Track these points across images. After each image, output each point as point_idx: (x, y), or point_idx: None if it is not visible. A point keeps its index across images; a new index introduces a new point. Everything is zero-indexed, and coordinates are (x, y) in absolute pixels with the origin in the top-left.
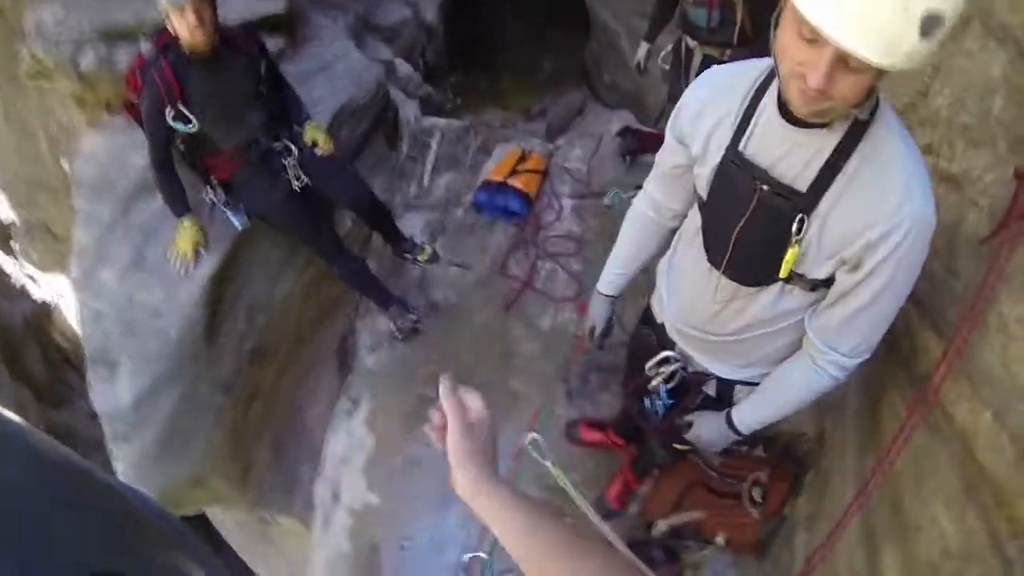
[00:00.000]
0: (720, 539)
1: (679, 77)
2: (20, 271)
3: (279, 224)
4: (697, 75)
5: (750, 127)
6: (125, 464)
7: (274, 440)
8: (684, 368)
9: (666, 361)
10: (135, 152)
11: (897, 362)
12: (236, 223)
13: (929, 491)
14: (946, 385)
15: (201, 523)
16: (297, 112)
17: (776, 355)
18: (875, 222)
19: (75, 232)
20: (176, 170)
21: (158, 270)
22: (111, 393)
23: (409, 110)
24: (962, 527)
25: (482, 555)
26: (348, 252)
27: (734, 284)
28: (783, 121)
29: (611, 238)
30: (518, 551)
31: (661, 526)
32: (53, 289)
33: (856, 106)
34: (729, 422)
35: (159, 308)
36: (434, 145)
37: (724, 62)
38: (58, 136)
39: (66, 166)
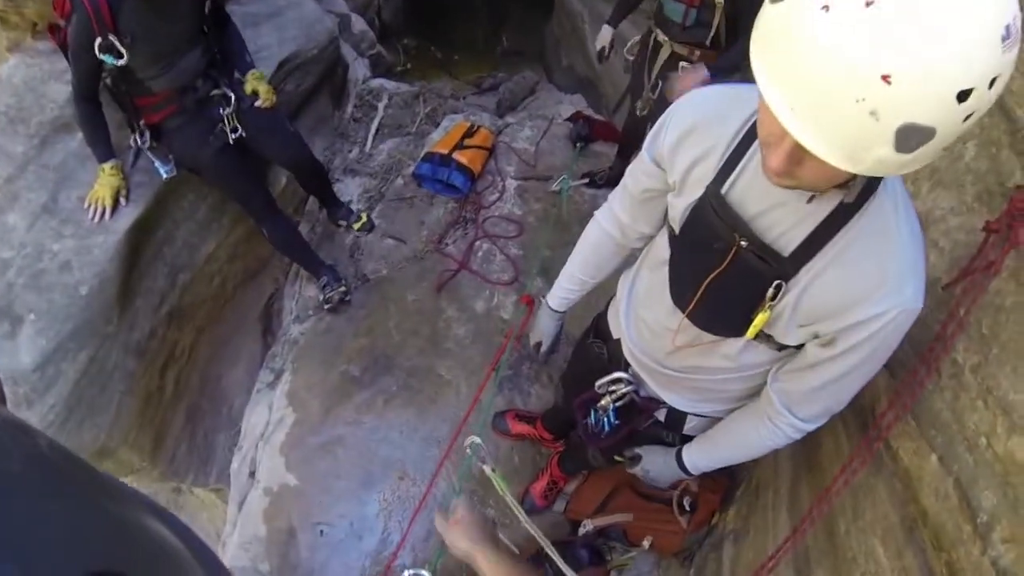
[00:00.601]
0: (646, 543)
1: (643, 70)
2: None
3: (209, 177)
4: (661, 71)
5: (738, 169)
6: None
7: (189, 408)
8: (636, 392)
9: (619, 381)
10: (56, 82)
11: None
12: (162, 171)
13: (867, 522)
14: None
15: None
16: (240, 58)
17: (733, 396)
18: (858, 305)
19: None
20: (102, 109)
21: (72, 218)
22: (13, 352)
23: (359, 69)
24: (899, 565)
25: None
26: (280, 213)
27: (697, 329)
28: None
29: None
30: None
31: (587, 526)
32: None
33: (838, 187)
34: (679, 460)
35: (70, 261)
36: (381, 108)
37: (691, 62)
38: None
39: None
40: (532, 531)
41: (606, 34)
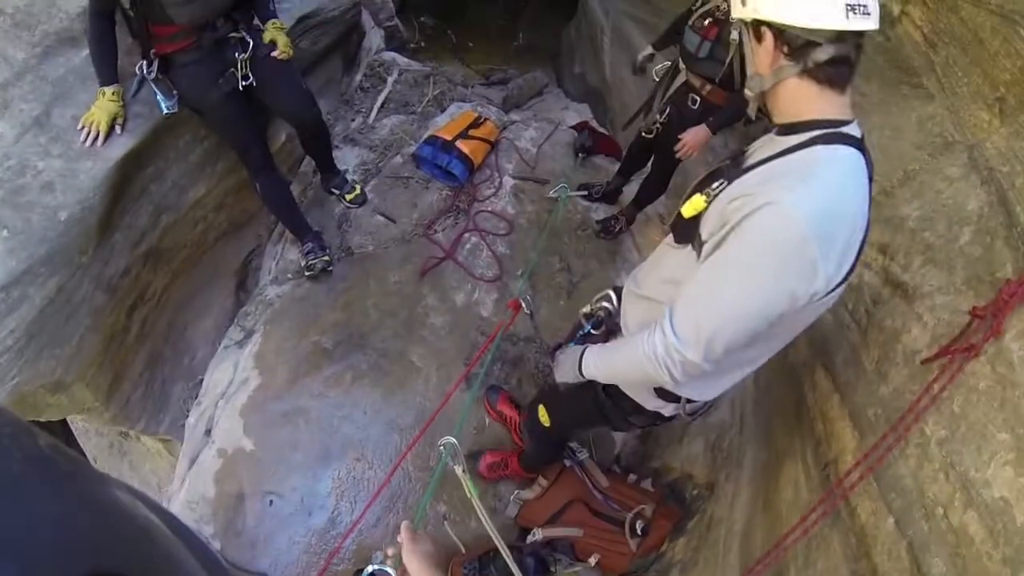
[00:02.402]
0: (592, 560)
1: (658, 91)
2: None
3: (211, 120)
4: (672, 96)
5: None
6: None
7: (151, 354)
8: (610, 314)
9: (606, 298)
10: None
11: (807, 436)
12: (164, 106)
13: (818, 572)
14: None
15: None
16: (263, 6)
17: None
18: (749, 190)
19: None
20: (115, 29)
21: (63, 137)
22: None
23: (374, 38)
24: None
25: (388, 569)
26: (276, 169)
27: (671, 236)
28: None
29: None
30: None
31: (538, 534)
32: None
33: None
34: (580, 359)
35: (54, 182)
36: (389, 82)
37: (700, 95)
38: None
39: None
40: (492, 534)
41: (645, 52)
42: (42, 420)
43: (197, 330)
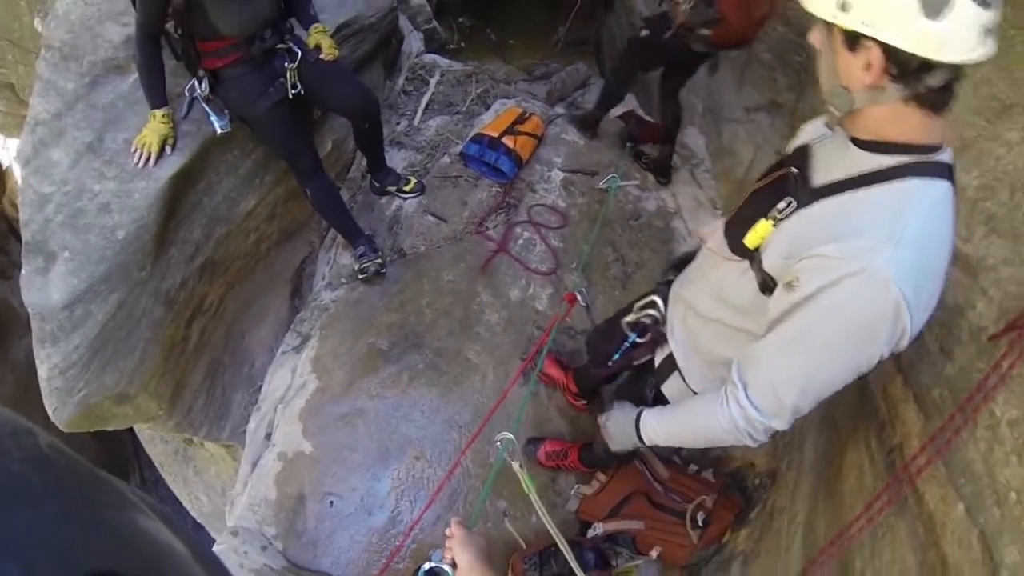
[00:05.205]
0: (654, 553)
1: None
2: None
3: (261, 130)
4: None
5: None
6: (49, 368)
7: (211, 362)
8: (657, 322)
9: (652, 305)
10: (112, 23)
11: (870, 420)
12: (217, 126)
13: (884, 563)
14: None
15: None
16: (304, 12)
17: (711, 357)
18: (832, 242)
19: (33, 100)
20: (162, 53)
21: (116, 160)
22: (44, 287)
23: (413, 42)
24: None
25: (446, 567)
26: (325, 174)
27: (722, 238)
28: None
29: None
30: None
31: (598, 529)
32: (11, 153)
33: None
34: (637, 423)
35: (110, 203)
36: (432, 84)
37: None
38: None
39: (39, 25)
40: (550, 529)
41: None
42: (110, 429)
43: (255, 338)
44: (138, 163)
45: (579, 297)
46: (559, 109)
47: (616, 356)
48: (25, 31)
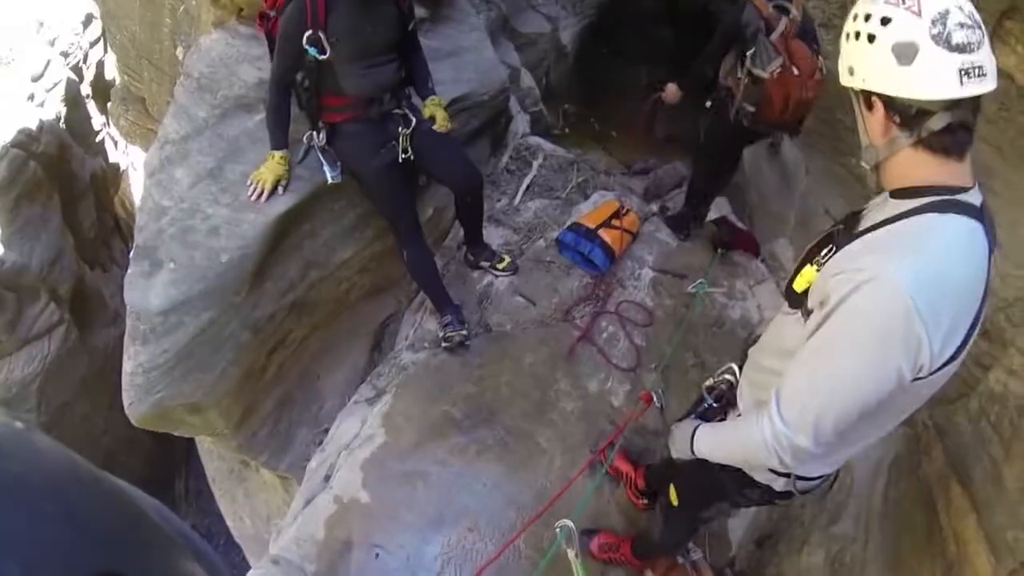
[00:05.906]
0: None
1: None
2: (105, 129)
3: (369, 187)
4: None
5: None
6: (135, 364)
7: (283, 395)
8: (732, 387)
9: (729, 371)
10: (248, 65)
11: (936, 559)
12: (329, 175)
13: None
14: None
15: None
16: (423, 84)
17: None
18: (855, 258)
19: (166, 119)
20: (290, 100)
21: (232, 189)
22: (146, 290)
23: (520, 123)
24: None
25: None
26: (424, 239)
27: (785, 303)
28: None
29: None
30: None
31: None
32: (129, 158)
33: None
34: (692, 436)
35: (220, 227)
36: (535, 166)
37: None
38: (182, 22)
39: (180, 53)
40: None
41: None
42: (176, 434)
43: (329, 381)
44: (252, 196)
45: (655, 398)
46: (654, 206)
47: (691, 416)
48: (164, 55)
